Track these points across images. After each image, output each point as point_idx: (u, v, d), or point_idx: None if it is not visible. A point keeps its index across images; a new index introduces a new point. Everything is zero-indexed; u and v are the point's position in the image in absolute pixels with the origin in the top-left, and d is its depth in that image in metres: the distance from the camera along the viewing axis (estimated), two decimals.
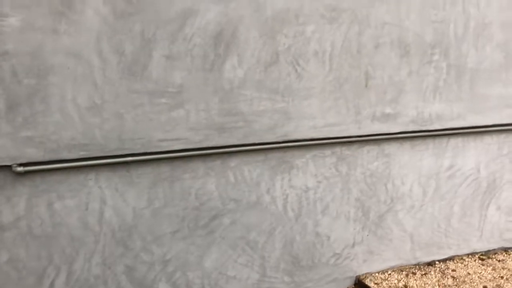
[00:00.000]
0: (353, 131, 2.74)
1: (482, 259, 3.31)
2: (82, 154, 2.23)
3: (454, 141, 3.06)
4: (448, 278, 3.05)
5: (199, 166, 2.49)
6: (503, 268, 3.18)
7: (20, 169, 2.12)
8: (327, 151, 2.74)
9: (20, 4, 2.02)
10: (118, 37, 2.20)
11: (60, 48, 2.11)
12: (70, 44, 2.13)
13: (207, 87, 2.40)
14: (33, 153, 2.15)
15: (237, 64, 2.43)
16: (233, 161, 2.56)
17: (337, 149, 2.76)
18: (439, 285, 2.96)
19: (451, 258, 3.29)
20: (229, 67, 2.42)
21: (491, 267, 3.19)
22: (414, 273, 3.10)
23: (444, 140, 3.04)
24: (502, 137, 3.19)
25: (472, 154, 3.14)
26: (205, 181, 2.52)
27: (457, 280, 3.03)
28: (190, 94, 2.37)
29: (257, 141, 2.56)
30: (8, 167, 2.14)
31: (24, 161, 2.14)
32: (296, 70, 2.55)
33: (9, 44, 2.03)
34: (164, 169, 2.42)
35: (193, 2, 2.29)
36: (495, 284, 2.97)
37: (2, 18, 2.00)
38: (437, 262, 3.25)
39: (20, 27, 2.04)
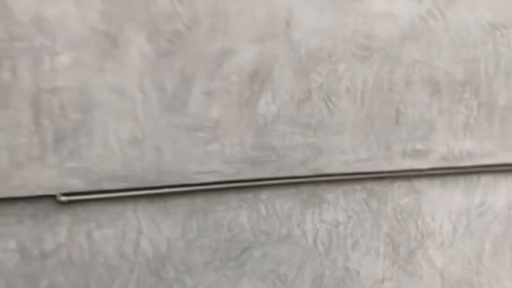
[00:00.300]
0: (384, 166, 2.77)
1: None
2: (122, 185, 2.32)
3: (485, 179, 3.05)
4: None
5: (232, 199, 2.55)
6: None
7: (63, 198, 2.22)
8: (358, 186, 2.78)
9: (71, 43, 2.16)
10: (160, 74, 2.31)
11: (105, 85, 2.23)
12: (114, 81, 2.25)
13: (242, 122, 2.48)
14: (76, 184, 2.25)
15: (271, 101, 2.51)
16: (265, 194, 2.61)
17: (368, 185, 2.79)
18: None
19: None
20: (264, 104, 2.50)
21: None
22: None
23: (474, 177, 3.04)
24: None
25: (503, 192, 3.12)
26: (238, 214, 2.58)
27: None
28: (226, 128, 2.45)
29: (289, 175, 2.61)
30: (52, 196, 2.24)
31: (67, 191, 2.24)
32: (328, 107, 2.61)
33: (59, 81, 2.16)
34: (199, 201, 2.49)
35: (232, 42, 2.40)
36: None
37: (54, 56, 2.14)
38: None
39: (69, 65, 2.17)
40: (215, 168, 2.46)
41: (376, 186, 2.81)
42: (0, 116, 2.10)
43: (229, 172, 2.49)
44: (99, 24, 2.19)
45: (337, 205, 2.76)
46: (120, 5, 2.21)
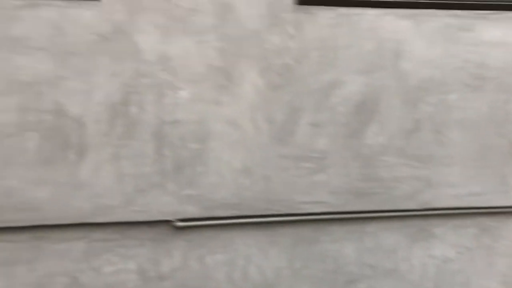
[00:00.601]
0: (499, 201, 2.62)
1: None
2: (233, 212, 2.41)
3: None
4: None
5: (338, 230, 2.55)
6: None
7: (180, 224, 2.35)
8: (469, 221, 2.65)
9: (191, 79, 2.32)
10: (270, 106, 2.40)
11: (220, 117, 2.36)
12: (229, 113, 2.37)
13: (349, 153, 2.49)
14: (191, 210, 2.38)
15: (378, 131, 2.50)
16: (371, 227, 2.58)
17: (480, 220, 2.65)
18: None
19: None
20: (371, 134, 2.49)
21: None
22: None
23: None
24: None
25: None
26: (343, 245, 2.56)
27: None
28: (332, 159, 2.47)
29: (395, 208, 2.56)
30: (169, 221, 2.38)
31: (183, 217, 2.37)
32: (438, 138, 2.55)
33: (180, 113, 2.32)
34: (305, 231, 2.51)
35: (339, 74, 2.44)
36: None
37: (176, 91, 2.31)
38: None
39: (189, 99, 2.33)
40: (321, 199, 2.49)
41: (489, 222, 2.67)
42: (127, 146, 2.30)
43: (335, 203, 2.50)
44: (216, 61, 2.34)
45: (447, 240, 2.65)
46: (235, 42, 2.35)
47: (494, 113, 2.57)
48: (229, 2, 2.33)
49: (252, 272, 2.47)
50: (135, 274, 2.37)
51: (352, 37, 2.43)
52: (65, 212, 2.27)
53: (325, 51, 2.42)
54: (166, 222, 2.38)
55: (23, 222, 2.23)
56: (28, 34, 2.18)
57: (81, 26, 2.22)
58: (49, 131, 2.22)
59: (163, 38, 2.28)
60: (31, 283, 2.28)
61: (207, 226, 2.40)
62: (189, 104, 2.32)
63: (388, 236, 2.60)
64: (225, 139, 2.37)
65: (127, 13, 2.25)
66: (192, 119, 2.33)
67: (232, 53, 2.35)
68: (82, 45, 2.23)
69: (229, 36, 2.34)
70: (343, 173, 2.49)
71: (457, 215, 2.63)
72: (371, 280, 2.60)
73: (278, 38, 2.37)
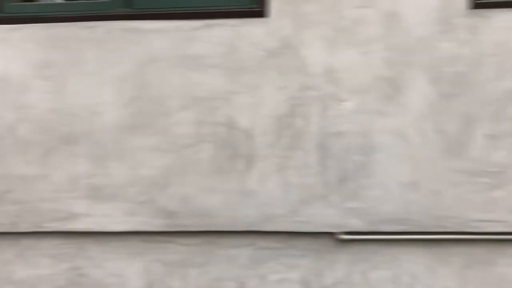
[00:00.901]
0: None
1: None
2: (399, 228, 2.31)
3: None
4: None
5: None
6: None
7: (344, 237, 2.32)
8: None
9: (355, 90, 2.30)
10: (440, 117, 2.27)
11: (386, 128, 2.30)
12: (395, 124, 2.29)
13: None
14: (355, 223, 2.33)
15: None
16: None
17: None
18: None
19: None
20: None
21: None
22: None
23: None
24: None
25: None
26: None
27: None
28: None
29: None
30: (332, 233, 2.37)
31: (346, 230, 2.34)
32: None
33: (344, 125, 2.31)
34: (479, 251, 2.31)
35: None
36: None
37: (341, 103, 2.30)
38: None
39: (353, 110, 2.31)
40: (499, 217, 2.27)
41: None
42: (292, 157, 2.35)
43: None
44: (382, 71, 2.29)
45: None
46: (403, 51, 2.27)
47: None
48: (396, 11, 2.27)
49: None
50: (298, 284, 2.39)
51: None
52: (234, 219, 2.38)
53: (504, 56, 2.23)
54: (329, 234, 2.36)
55: (197, 227, 2.40)
56: (204, 53, 2.37)
57: (251, 43, 2.34)
58: (221, 143, 2.37)
59: (329, 50, 2.30)
60: (203, 285, 2.43)
61: (371, 240, 2.34)
62: (354, 115, 2.30)
63: None
64: (391, 151, 2.30)
65: (294, 28, 2.32)
66: (356, 131, 2.30)
67: (399, 62, 2.28)
68: (252, 61, 2.35)
69: (396, 45, 2.27)
70: None
71: None
72: None
73: (449, 45, 2.24)
